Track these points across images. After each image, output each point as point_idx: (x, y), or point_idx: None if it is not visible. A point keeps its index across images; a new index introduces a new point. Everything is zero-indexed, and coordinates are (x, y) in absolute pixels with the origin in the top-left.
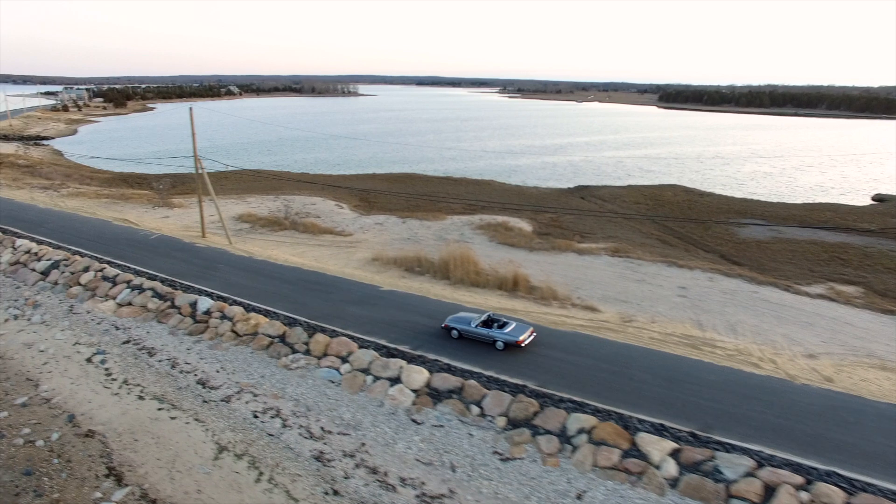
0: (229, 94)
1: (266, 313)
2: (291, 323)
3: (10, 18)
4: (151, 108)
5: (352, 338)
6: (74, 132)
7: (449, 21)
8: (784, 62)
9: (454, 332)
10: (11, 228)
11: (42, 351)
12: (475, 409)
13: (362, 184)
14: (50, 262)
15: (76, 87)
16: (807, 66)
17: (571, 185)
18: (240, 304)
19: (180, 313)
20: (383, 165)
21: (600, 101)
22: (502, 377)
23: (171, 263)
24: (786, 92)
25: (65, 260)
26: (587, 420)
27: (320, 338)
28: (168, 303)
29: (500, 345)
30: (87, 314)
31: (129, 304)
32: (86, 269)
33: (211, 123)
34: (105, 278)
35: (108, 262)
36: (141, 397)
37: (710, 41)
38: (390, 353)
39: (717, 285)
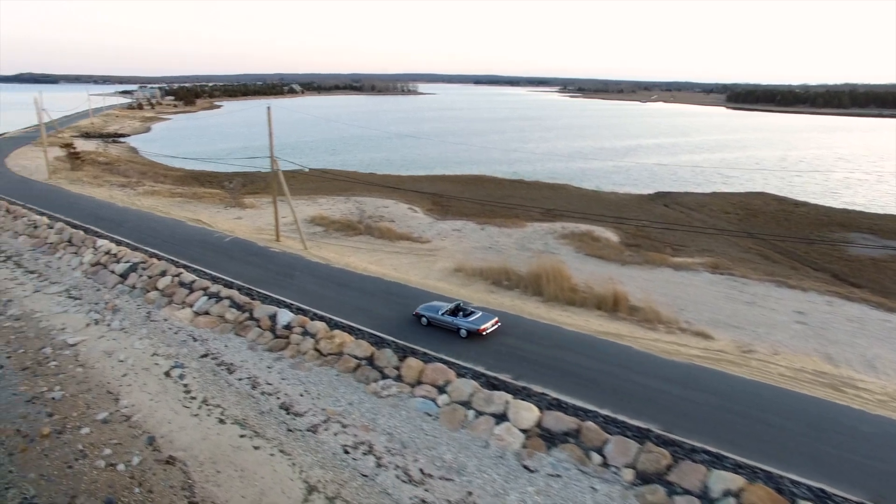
0: (292, 92)
1: (350, 330)
2: (379, 343)
3: (91, 23)
4: (219, 106)
5: (446, 363)
6: (148, 130)
7: (507, 20)
8: (863, 60)
9: (423, 319)
10: (93, 228)
11: (121, 361)
12: (596, 458)
13: (432, 186)
14: (128, 265)
15: (149, 86)
16: (890, 64)
17: (650, 192)
18: (322, 318)
19: (259, 326)
20: (450, 166)
21: (664, 102)
22: (619, 417)
23: (246, 269)
24: (868, 91)
25: (142, 263)
26: (733, 480)
27: (413, 362)
28: (246, 314)
29: (463, 332)
30: (165, 322)
31: (207, 313)
32: (163, 274)
33: (276, 121)
34: (182, 284)
35: (185, 267)
36: (221, 420)
37: (779, 39)
38: (491, 384)
39: (839, 311)
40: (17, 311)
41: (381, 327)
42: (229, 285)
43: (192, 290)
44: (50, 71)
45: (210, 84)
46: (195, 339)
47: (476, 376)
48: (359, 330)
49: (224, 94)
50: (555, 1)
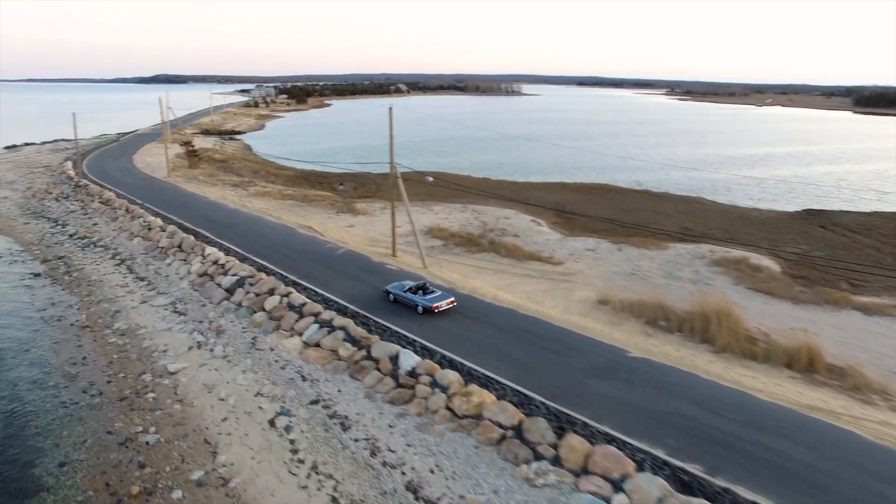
0: (398, 91)
1: (487, 381)
2: (526, 404)
3: (216, 28)
4: (328, 105)
5: (616, 441)
6: (262, 127)
7: (609, 20)
8: None
9: (391, 295)
10: (203, 232)
11: (222, 400)
12: None
13: (552, 194)
14: (235, 279)
15: (265, 85)
16: None
17: (797, 209)
18: (452, 363)
19: (378, 369)
20: (567, 173)
21: (781, 105)
22: None
23: (361, 290)
24: None
25: (250, 277)
26: None
27: (575, 441)
28: (363, 351)
29: (420, 309)
30: (271, 352)
31: (318, 345)
32: (271, 292)
33: (382, 121)
34: (291, 307)
35: (294, 284)
36: (335, 499)
37: None
38: (681, 482)
39: None
40: (123, 325)
41: (529, 383)
42: (343, 311)
43: (301, 315)
44: (180, 72)
45: (321, 83)
46: (304, 378)
47: (657, 464)
48: (500, 384)
49: (333, 92)
50: (658, 1)
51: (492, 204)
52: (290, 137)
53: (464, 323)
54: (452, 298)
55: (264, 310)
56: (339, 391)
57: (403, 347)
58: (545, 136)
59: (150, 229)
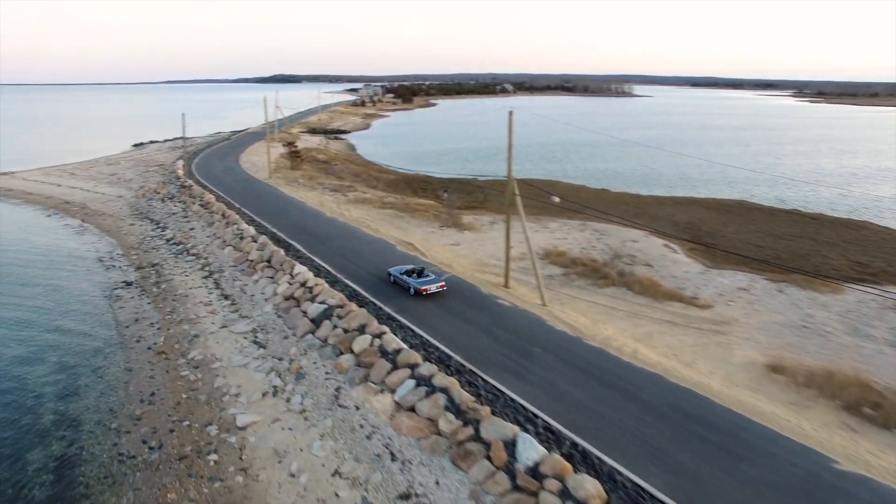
0: (504, 91)
1: (638, 496)
2: None
3: (328, 26)
4: (434, 104)
5: None
6: (367, 126)
7: (725, 15)
8: None
9: (392, 277)
10: (295, 244)
11: (293, 476)
12: None
13: (682, 212)
14: (323, 308)
15: (373, 84)
16: None
17: None
18: (585, 455)
19: (489, 458)
20: (696, 186)
21: None
22: None
23: (466, 333)
24: None
25: (340, 307)
26: None
27: None
28: (470, 428)
29: (412, 290)
30: (357, 412)
31: (412, 409)
32: (361, 329)
33: (485, 121)
34: (384, 352)
35: (389, 319)
36: None
37: None
38: None
39: None
40: (198, 355)
41: (689, 496)
42: (446, 363)
43: (395, 366)
44: (296, 72)
45: (427, 83)
46: (393, 457)
47: None
48: (650, 495)
49: (439, 92)
50: None
51: (615, 222)
52: (394, 137)
53: (597, 391)
54: (443, 283)
55: (352, 352)
56: (437, 483)
57: (522, 428)
58: (664, 142)
59: (241, 238)
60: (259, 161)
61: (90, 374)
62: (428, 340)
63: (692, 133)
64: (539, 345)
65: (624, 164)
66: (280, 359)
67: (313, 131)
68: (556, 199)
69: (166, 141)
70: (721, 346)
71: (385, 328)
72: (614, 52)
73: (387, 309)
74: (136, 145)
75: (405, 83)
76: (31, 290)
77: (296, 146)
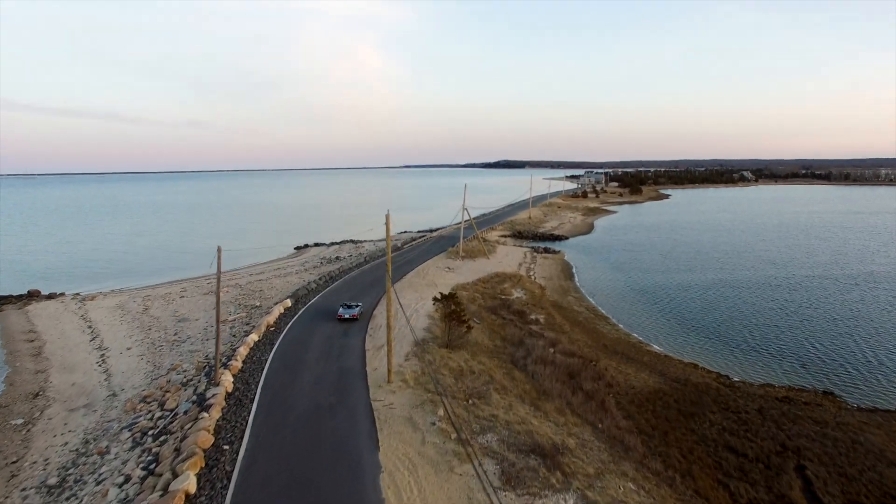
0: (742, 180)
1: None
2: None
3: (552, 119)
4: (666, 196)
5: None
6: (590, 229)
7: None
8: None
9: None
10: None
11: None
12: None
13: None
14: None
15: (595, 171)
16: None
17: None
18: None
19: None
20: None
21: None
22: None
23: None
24: None
25: None
26: None
27: None
28: None
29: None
30: None
31: None
32: None
33: (771, 225)
34: None
35: None
36: None
37: None
38: None
39: None
40: None
41: None
42: None
43: None
44: (520, 157)
45: (652, 170)
46: None
47: None
48: None
49: (669, 180)
50: None
51: None
52: (628, 251)
53: None
54: (355, 313)
55: None
56: None
57: None
58: None
59: None
60: (415, 303)
61: None
62: None
63: None
64: None
65: None
66: None
67: (519, 235)
68: None
69: (332, 244)
70: None
71: None
72: (863, 131)
73: None
74: (298, 248)
75: (629, 170)
76: None
77: (458, 302)
